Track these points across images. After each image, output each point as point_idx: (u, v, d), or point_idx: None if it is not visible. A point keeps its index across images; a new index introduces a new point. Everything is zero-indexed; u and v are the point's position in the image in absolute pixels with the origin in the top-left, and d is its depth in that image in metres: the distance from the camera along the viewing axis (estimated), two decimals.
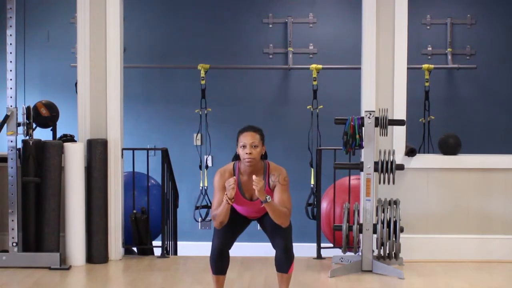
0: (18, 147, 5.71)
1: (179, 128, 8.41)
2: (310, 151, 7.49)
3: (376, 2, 5.86)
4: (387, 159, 5.46)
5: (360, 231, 5.55)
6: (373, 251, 5.57)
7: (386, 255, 5.52)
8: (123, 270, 5.77)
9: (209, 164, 7.95)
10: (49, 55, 8.38)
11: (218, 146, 7.88)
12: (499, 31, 8.29)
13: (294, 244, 4.57)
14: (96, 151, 5.81)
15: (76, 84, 6.02)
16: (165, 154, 6.33)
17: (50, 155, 5.70)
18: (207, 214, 7.59)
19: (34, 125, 5.91)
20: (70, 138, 6.38)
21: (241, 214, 4.67)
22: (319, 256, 6.08)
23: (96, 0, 5.88)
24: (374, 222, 5.52)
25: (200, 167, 7.66)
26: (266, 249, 6.69)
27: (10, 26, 5.61)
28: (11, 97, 5.63)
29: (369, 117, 5.45)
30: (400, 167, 5.55)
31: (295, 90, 8.37)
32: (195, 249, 7.50)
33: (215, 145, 7.75)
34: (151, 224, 6.35)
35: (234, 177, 4.43)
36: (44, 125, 6.56)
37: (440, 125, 7.77)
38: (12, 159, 5.64)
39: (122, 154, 6.01)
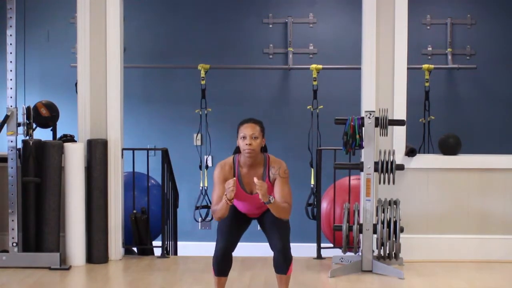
0: (18, 147, 5.71)
1: (179, 128, 8.41)
2: (310, 151, 7.50)
3: (376, 2, 5.86)
4: (387, 159, 5.46)
5: (360, 231, 5.55)
6: (373, 251, 5.57)
7: (386, 255, 5.53)
8: (123, 270, 5.77)
9: (209, 164, 7.95)
10: (49, 55, 8.38)
11: (218, 146, 7.88)
12: (499, 31, 8.29)
13: (294, 244, 4.57)
14: (96, 151, 5.81)
15: (76, 84, 6.02)
16: (165, 154, 6.33)
17: (50, 155, 5.71)
18: (207, 214, 7.59)
19: (34, 125, 5.91)
20: (70, 138, 6.38)
21: (241, 213, 4.66)
22: (319, 256, 6.08)
23: (96, 0, 5.89)
24: (374, 222, 5.52)
25: (200, 167, 7.66)
26: (266, 249, 6.69)
27: (10, 26, 5.61)
28: (11, 97, 5.63)
29: (369, 117, 5.45)
30: (400, 167, 5.55)
31: (295, 90, 8.37)
32: (195, 249, 7.51)
33: (215, 145, 7.75)
34: (151, 224, 6.35)
35: (234, 178, 4.41)
36: (44, 125, 6.55)
37: (440, 125, 7.77)
38: (12, 159, 5.64)
39: (122, 154, 6.01)
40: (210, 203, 7.53)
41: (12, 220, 5.62)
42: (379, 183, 5.56)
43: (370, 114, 5.46)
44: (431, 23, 8.34)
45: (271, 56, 8.42)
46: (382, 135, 5.53)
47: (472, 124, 8.22)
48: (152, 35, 8.46)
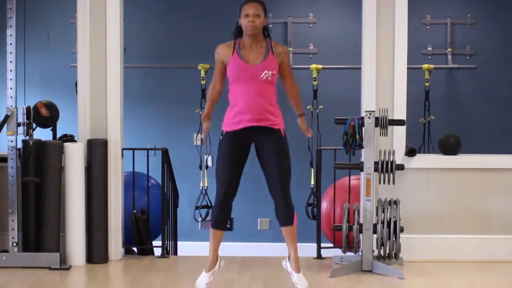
0: (18, 147, 5.71)
1: (179, 128, 8.41)
2: (310, 151, 7.49)
3: (376, 2, 5.86)
4: (387, 159, 5.46)
5: (360, 231, 5.55)
6: (373, 251, 5.57)
7: (386, 255, 5.53)
8: (123, 270, 5.77)
9: (209, 164, 7.94)
10: (49, 55, 8.38)
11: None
12: (499, 31, 8.29)
13: None
14: (96, 151, 5.81)
15: (76, 84, 6.02)
16: (165, 154, 6.33)
17: (50, 155, 5.70)
18: (207, 214, 7.58)
19: (34, 125, 5.91)
20: (70, 138, 6.38)
21: (238, 144, 4.63)
22: (319, 256, 6.08)
23: (96, 0, 5.88)
24: (374, 222, 5.52)
25: (200, 167, 7.66)
26: (266, 249, 6.71)
27: (10, 26, 5.61)
28: (11, 97, 5.63)
29: (369, 117, 5.45)
30: (400, 167, 5.55)
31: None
32: (195, 249, 7.49)
33: (215, 145, 7.72)
34: (151, 224, 6.35)
35: (208, 124, 4.74)
36: (44, 125, 6.56)
37: (440, 125, 7.76)
38: (12, 159, 5.64)
39: (122, 154, 6.01)
40: (210, 203, 7.57)
41: (12, 220, 5.62)
42: (379, 183, 5.56)
43: (370, 114, 5.46)
44: (431, 23, 8.34)
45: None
46: (382, 135, 5.53)
47: (472, 124, 8.22)
48: (152, 35, 8.46)
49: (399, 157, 5.83)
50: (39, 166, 5.74)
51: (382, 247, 5.52)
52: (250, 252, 6.47)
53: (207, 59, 7.77)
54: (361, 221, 5.57)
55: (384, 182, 5.49)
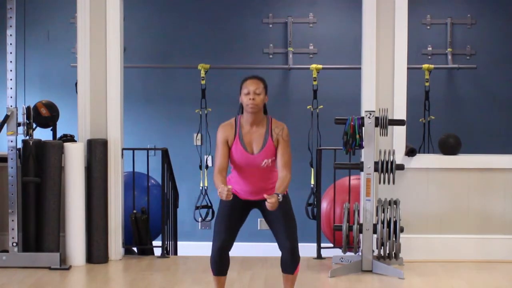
0: (18, 147, 5.71)
1: (179, 128, 8.41)
2: (310, 151, 7.49)
3: (376, 2, 5.86)
4: (387, 159, 5.46)
5: (360, 231, 5.55)
6: (373, 251, 5.57)
7: (386, 255, 5.53)
8: (123, 270, 5.77)
9: (209, 164, 7.94)
10: (49, 55, 8.38)
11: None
12: (499, 31, 8.29)
13: None
14: (96, 151, 5.81)
15: (76, 84, 6.02)
16: (165, 154, 6.33)
17: (50, 155, 5.71)
18: (207, 214, 7.58)
19: (34, 125, 5.91)
20: (70, 138, 6.38)
21: (239, 206, 4.58)
22: (319, 256, 6.08)
23: (96, 0, 5.89)
24: (374, 222, 5.53)
25: (200, 167, 7.66)
26: (266, 249, 6.71)
27: (10, 26, 5.61)
28: (11, 97, 5.63)
29: (369, 117, 5.46)
30: (400, 167, 5.55)
31: (295, 90, 8.37)
32: (195, 249, 7.50)
33: (215, 145, 7.73)
34: (151, 224, 6.35)
35: (230, 186, 4.33)
36: (44, 125, 6.56)
37: (440, 125, 7.76)
38: (12, 159, 5.64)
39: (122, 154, 6.01)
40: (210, 203, 7.57)
41: (12, 220, 5.62)
42: (379, 183, 5.56)
43: (370, 114, 5.46)
44: (431, 23, 8.34)
45: (271, 56, 8.42)
46: (382, 135, 5.53)
47: (472, 124, 8.22)
48: (152, 35, 8.46)
49: (399, 157, 5.83)
50: (39, 166, 5.74)
51: (382, 247, 5.52)
52: (250, 252, 6.47)
53: (207, 59, 7.79)
54: (361, 221, 5.57)
55: (384, 182, 5.49)
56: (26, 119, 5.71)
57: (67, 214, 5.74)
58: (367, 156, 5.49)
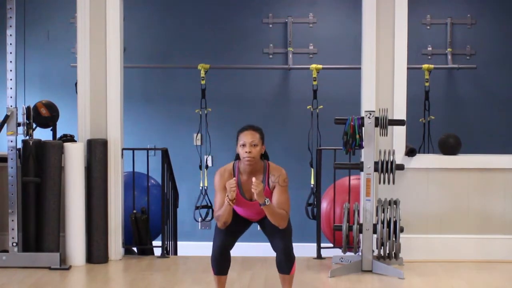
0: (18, 147, 5.71)
1: (179, 128, 8.41)
2: (310, 151, 7.49)
3: (376, 2, 5.86)
4: (387, 159, 5.46)
5: (360, 231, 5.55)
6: (373, 251, 5.57)
7: (386, 255, 5.52)
8: (123, 270, 5.77)
9: (209, 164, 7.95)
10: (49, 55, 8.38)
11: (218, 146, 7.88)
12: (499, 31, 8.29)
13: (294, 244, 4.56)
14: (96, 151, 5.81)
15: (76, 84, 6.02)
16: (165, 154, 6.33)
17: (50, 155, 5.70)
18: (207, 214, 7.58)
19: (34, 125, 5.91)
20: (70, 138, 6.38)
21: (241, 216, 4.66)
22: (319, 256, 6.08)
23: (96, 0, 5.89)
24: (374, 222, 5.52)
25: (200, 167, 7.66)
26: (266, 249, 6.69)
27: (10, 26, 5.61)
28: (11, 97, 5.63)
29: (369, 117, 5.46)
30: (400, 167, 5.55)
31: (295, 90, 8.37)
32: (195, 249, 7.50)
33: (215, 145, 7.75)
34: (151, 224, 6.35)
35: (235, 178, 4.42)
36: (44, 125, 6.55)
37: (440, 125, 7.76)
38: (12, 159, 5.64)
39: (122, 154, 6.01)
40: (210, 203, 7.57)
41: (12, 220, 5.62)
42: (379, 183, 5.56)
43: (370, 114, 5.46)
44: (431, 23, 8.34)
45: (271, 56, 8.42)
46: (382, 135, 5.53)
47: (472, 124, 8.22)
48: (152, 35, 8.46)
49: (399, 157, 5.83)
50: (39, 166, 5.74)
51: (382, 247, 5.52)
52: (250, 252, 6.46)
53: (207, 59, 7.79)
54: (361, 221, 5.57)
55: (384, 182, 5.49)
56: (26, 119, 5.71)
57: (67, 214, 5.74)
58: (367, 156, 5.49)
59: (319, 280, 5.44)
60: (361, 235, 5.57)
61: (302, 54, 8.38)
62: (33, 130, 5.86)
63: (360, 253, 5.61)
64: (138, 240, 6.27)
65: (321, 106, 7.53)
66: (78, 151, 5.74)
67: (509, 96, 8.24)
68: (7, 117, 5.62)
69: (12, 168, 5.64)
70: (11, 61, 5.62)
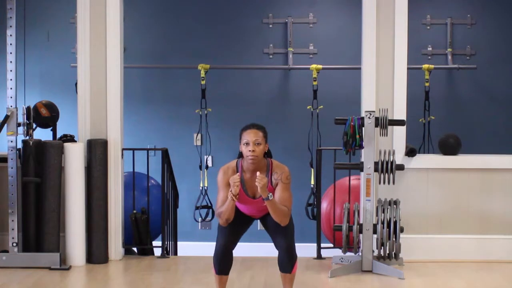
0: (18, 147, 5.71)
1: (179, 128, 8.41)
2: (310, 151, 7.49)
3: (376, 2, 5.86)
4: (387, 159, 5.46)
5: (360, 231, 5.55)
6: (373, 251, 5.57)
7: (386, 255, 5.53)
8: (123, 270, 5.77)
9: (209, 164, 7.95)
10: (49, 55, 8.38)
11: (218, 146, 7.88)
12: (499, 31, 8.29)
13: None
14: (96, 151, 5.81)
15: (76, 84, 6.02)
16: (165, 154, 6.33)
17: (50, 155, 5.70)
18: (207, 214, 7.58)
19: (34, 125, 5.91)
20: (70, 138, 6.38)
21: (244, 213, 4.66)
22: (319, 256, 6.08)
23: (96, 0, 5.89)
24: (374, 222, 5.52)
25: (200, 167, 7.66)
26: (266, 249, 6.70)
27: (10, 26, 5.61)
28: (11, 97, 5.63)
29: (369, 117, 5.46)
30: (400, 167, 5.55)
31: (295, 90, 8.37)
32: (195, 249, 7.51)
33: (215, 145, 7.75)
34: (151, 224, 6.35)
35: (238, 173, 4.43)
36: (44, 125, 6.56)
37: (440, 125, 7.76)
38: (12, 159, 5.64)
39: (122, 154, 6.01)
40: (210, 203, 7.56)
41: (12, 220, 5.62)
42: (379, 183, 5.56)
43: (370, 114, 5.46)
44: (431, 23, 8.34)
45: (271, 56, 8.42)
46: (382, 135, 5.53)
47: (472, 124, 8.22)
48: (152, 35, 8.46)
49: (399, 157, 5.83)
50: (39, 166, 5.74)
51: (382, 247, 5.52)
52: (250, 252, 6.47)
53: (207, 59, 7.79)
54: (361, 221, 5.57)
55: (384, 182, 5.49)
56: (26, 119, 5.71)
57: (67, 214, 5.74)
58: (367, 156, 5.49)
59: (319, 280, 5.44)
60: (361, 235, 5.57)
61: (302, 54, 8.39)
62: (33, 130, 5.85)
63: (360, 253, 5.60)
64: (138, 240, 6.28)
65: (321, 106, 7.53)
66: (78, 151, 5.74)
67: (509, 96, 8.24)
68: (7, 117, 5.62)
69: (12, 168, 5.64)
70: (11, 61, 5.62)
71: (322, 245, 6.13)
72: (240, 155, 4.58)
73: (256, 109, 8.28)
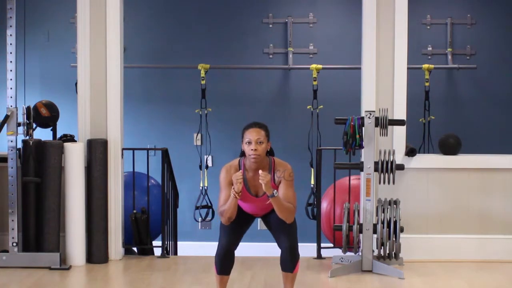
0: (18, 147, 5.71)
1: (179, 128, 8.41)
2: (310, 151, 7.49)
3: (376, 2, 5.86)
4: (387, 159, 5.46)
5: (360, 231, 5.55)
6: (373, 251, 5.57)
7: (386, 255, 5.53)
8: (123, 270, 5.77)
9: (209, 164, 7.94)
10: (49, 55, 8.38)
11: (218, 146, 7.87)
12: (499, 31, 8.29)
13: None
14: (96, 151, 5.81)
15: (76, 84, 6.02)
16: (165, 154, 6.33)
17: (50, 155, 5.70)
18: (207, 214, 7.58)
19: (34, 125, 5.91)
20: (70, 138, 6.38)
21: (245, 212, 4.66)
22: (319, 256, 6.08)
23: (96, 0, 5.89)
24: (374, 222, 5.53)
25: (200, 167, 7.66)
26: (266, 249, 6.71)
27: (10, 26, 5.61)
28: (11, 97, 5.63)
29: (369, 117, 5.46)
30: (400, 167, 5.55)
31: (295, 90, 8.37)
32: (195, 249, 7.51)
33: (215, 145, 7.74)
34: (151, 224, 6.35)
35: (241, 170, 4.44)
36: (44, 125, 6.56)
37: (440, 125, 7.76)
38: (12, 159, 5.64)
39: (122, 154, 6.01)
40: (211, 203, 7.56)
41: (12, 220, 5.62)
42: (379, 183, 5.56)
43: (370, 114, 5.46)
44: (431, 23, 8.34)
45: (271, 56, 8.42)
46: (382, 135, 5.53)
47: (472, 124, 8.22)
48: (152, 35, 8.46)
49: (399, 157, 5.83)
50: (39, 166, 5.74)
51: (382, 247, 5.52)
52: (250, 252, 6.46)
53: (207, 59, 7.79)
54: (361, 221, 5.57)
55: (384, 182, 5.49)
56: (26, 119, 5.71)
57: (67, 214, 5.74)
58: (367, 156, 5.49)
59: (319, 280, 5.45)
60: (361, 235, 5.57)
61: (302, 54, 8.38)
62: (33, 130, 5.85)
63: (360, 253, 5.61)
64: (138, 240, 6.27)
65: (321, 106, 7.53)
66: (78, 151, 5.74)
67: (509, 96, 8.24)
68: (7, 117, 5.62)
69: (12, 168, 5.64)
70: (11, 61, 5.62)
71: (322, 245, 6.13)
72: (242, 154, 4.58)
73: (256, 109, 8.28)
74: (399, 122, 5.67)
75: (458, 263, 5.88)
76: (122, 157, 6.01)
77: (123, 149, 6.03)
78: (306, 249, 6.41)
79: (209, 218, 7.60)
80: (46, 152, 5.71)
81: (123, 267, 5.81)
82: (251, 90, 8.41)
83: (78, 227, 5.74)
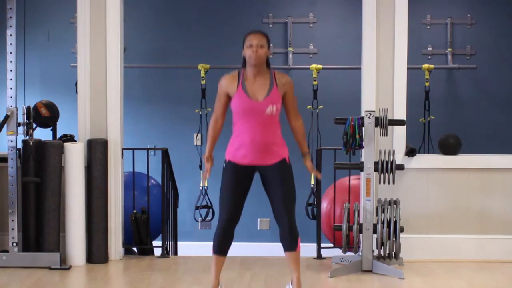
0: (18, 147, 5.71)
1: (179, 128, 8.41)
2: (310, 151, 7.48)
3: (376, 2, 5.86)
4: (387, 159, 5.46)
5: (360, 231, 5.55)
6: (373, 251, 5.57)
7: (386, 255, 5.53)
8: (123, 270, 5.77)
9: None
10: (49, 55, 8.38)
11: (218, 146, 7.85)
12: (499, 31, 8.29)
13: None
14: (96, 151, 5.81)
15: (76, 84, 6.02)
16: (165, 154, 6.33)
17: (50, 155, 5.70)
18: (207, 214, 7.58)
19: (34, 125, 5.91)
20: (70, 138, 6.39)
21: (241, 177, 4.58)
22: (319, 256, 6.08)
23: (96, 0, 5.89)
24: (374, 222, 5.53)
25: (200, 167, 7.66)
26: (266, 249, 6.71)
27: (10, 26, 5.61)
28: (11, 97, 5.63)
29: (369, 117, 5.46)
30: (400, 167, 5.55)
31: (295, 90, 8.34)
32: (195, 249, 7.50)
33: (215, 145, 7.72)
34: (151, 224, 6.35)
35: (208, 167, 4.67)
36: (44, 125, 6.56)
37: (440, 125, 7.76)
38: (12, 159, 5.64)
39: (122, 154, 6.01)
40: (210, 203, 7.57)
41: (12, 220, 5.62)
42: (379, 183, 5.56)
43: (370, 114, 5.46)
44: (431, 23, 8.34)
45: (271, 56, 8.37)
46: (382, 135, 5.53)
47: (472, 124, 8.22)
48: (152, 35, 8.46)
49: (399, 157, 5.83)
50: (39, 166, 5.74)
51: (382, 247, 5.52)
52: (250, 252, 6.47)
53: (207, 59, 7.79)
54: (361, 221, 5.57)
55: (384, 182, 5.49)
56: (26, 119, 5.71)
57: (67, 214, 5.74)
58: (367, 156, 5.49)
59: (319, 280, 5.45)
60: (361, 235, 5.57)
61: (302, 54, 8.39)
62: (33, 130, 5.85)
63: (360, 253, 5.61)
64: (138, 240, 6.28)
65: (321, 106, 7.53)
66: (78, 151, 5.74)
67: (509, 96, 8.24)
68: (7, 117, 5.62)
69: (12, 168, 5.64)
70: (11, 61, 5.62)
71: (322, 245, 6.13)
72: (243, 65, 4.58)
73: None
74: (399, 122, 5.67)
75: (458, 263, 5.88)
76: (122, 157, 6.01)
77: (123, 149, 6.03)
78: (306, 249, 6.40)
79: (209, 218, 7.60)
80: (46, 152, 5.71)
81: (123, 267, 5.82)
82: None
83: (78, 227, 5.74)
